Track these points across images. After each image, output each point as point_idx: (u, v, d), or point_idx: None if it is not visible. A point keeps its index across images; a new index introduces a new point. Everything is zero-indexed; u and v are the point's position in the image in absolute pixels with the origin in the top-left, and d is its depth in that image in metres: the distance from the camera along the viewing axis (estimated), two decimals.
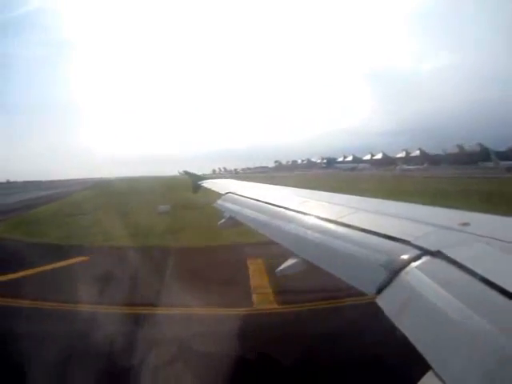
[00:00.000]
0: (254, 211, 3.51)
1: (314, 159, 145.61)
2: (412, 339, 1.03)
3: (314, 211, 2.57)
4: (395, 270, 1.34)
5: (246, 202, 4.02)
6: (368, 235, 1.76)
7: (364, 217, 2.22)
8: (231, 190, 5.12)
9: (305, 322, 5.65)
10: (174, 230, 13.37)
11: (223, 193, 5.21)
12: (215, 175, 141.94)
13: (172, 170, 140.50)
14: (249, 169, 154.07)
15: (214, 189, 6.47)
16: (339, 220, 2.14)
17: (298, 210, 2.75)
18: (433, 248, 1.37)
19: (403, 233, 1.62)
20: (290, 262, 2.14)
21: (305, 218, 2.52)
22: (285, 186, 5.32)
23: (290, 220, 2.64)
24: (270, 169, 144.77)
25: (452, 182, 34.89)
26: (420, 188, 27.26)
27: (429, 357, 0.96)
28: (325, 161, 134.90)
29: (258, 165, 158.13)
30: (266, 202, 3.47)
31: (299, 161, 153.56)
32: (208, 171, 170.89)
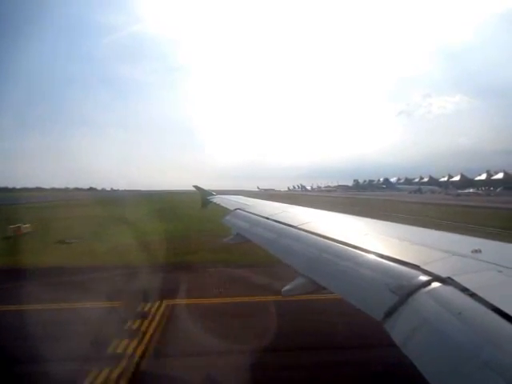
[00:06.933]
0: (262, 229, 3.56)
1: (392, 179, 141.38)
2: (419, 367, 1.02)
3: (321, 231, 2.56)
4: (404, 295, 1.32)
5: (254, 219, 4.08)
6: (379, 259, 1.75)
7: (375, 240, 2.20)
8: (239, 207, 5.25)
9: None
10: None
11: (232, 209, 5.33)
12: (290, 192, 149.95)
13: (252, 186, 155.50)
14: (329, 187, 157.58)
15: (222, 204, 6.60)
16: (349, 242, 2.12)
17: (305, 229, 2.77)
18: (444, 274, 1.36)
19: (415, 258, 1.61)
20: (296, 282, 2.07)
21: (312, 237, 2.51)
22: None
23: (299, 239, 2.65)
24: (343, 187, 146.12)
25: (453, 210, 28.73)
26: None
27: None
28: (402, 181, 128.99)
29: (342, 183, 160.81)
30: (274, 220, 3.53)
31: (376, 180, 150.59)
32: (285, 188, 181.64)
